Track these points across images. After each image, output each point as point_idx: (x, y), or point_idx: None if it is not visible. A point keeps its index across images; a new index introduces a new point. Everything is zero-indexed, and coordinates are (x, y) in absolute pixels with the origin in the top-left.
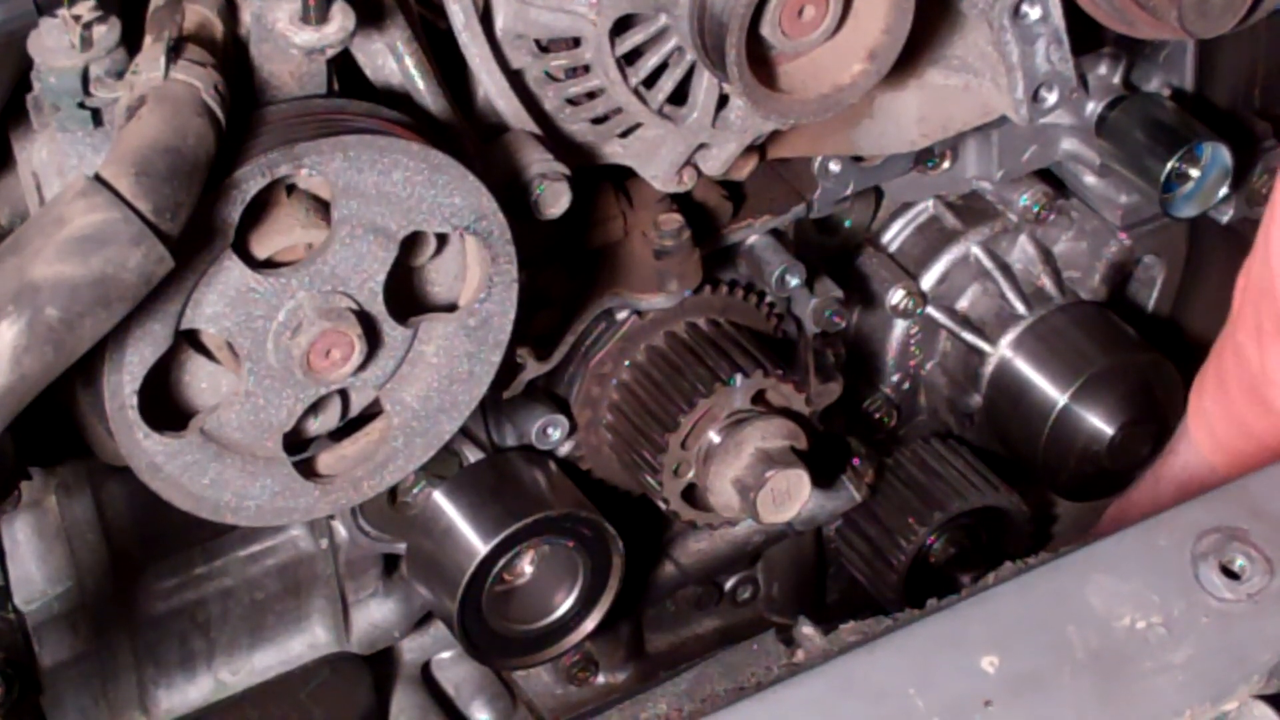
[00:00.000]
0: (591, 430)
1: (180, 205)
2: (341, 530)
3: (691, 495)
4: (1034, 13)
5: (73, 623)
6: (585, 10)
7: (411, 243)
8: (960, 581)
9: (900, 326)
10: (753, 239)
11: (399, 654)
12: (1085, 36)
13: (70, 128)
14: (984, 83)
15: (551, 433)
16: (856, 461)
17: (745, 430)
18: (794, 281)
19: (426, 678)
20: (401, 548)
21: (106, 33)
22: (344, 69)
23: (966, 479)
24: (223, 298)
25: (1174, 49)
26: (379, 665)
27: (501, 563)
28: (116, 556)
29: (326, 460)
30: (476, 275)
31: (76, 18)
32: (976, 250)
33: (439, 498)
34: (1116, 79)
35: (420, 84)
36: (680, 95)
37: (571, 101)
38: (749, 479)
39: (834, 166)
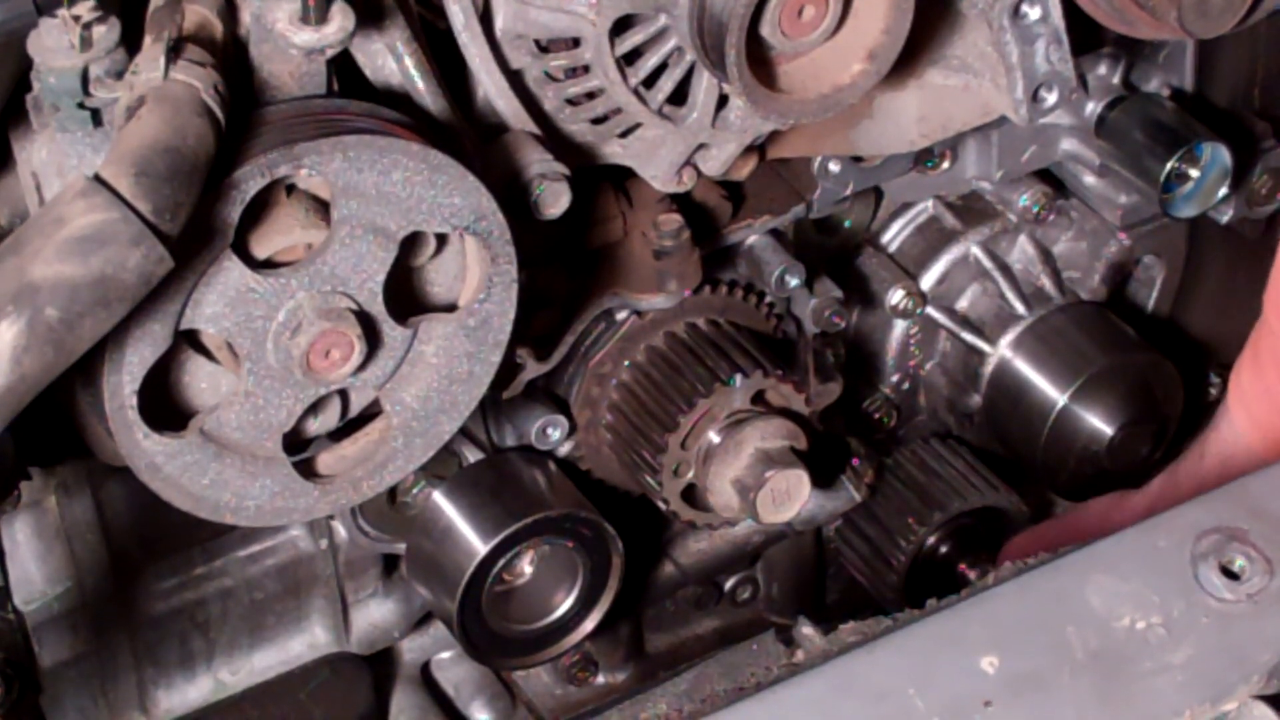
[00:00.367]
0: (591, 430)
1: (180, 205)
2: (341, 530)
3: (691, 495)
4: (1034, 13)
5: (72, 623)
6: (585, 10)
7: (411, 243)
8: (961, 571)
9: (900, 327)
10: (752, 239)
11: (399, 654)
12: (1085, 36)
13: (70, 128)
14: (984, 83)
15: (551, 433)
16: (856, 462)
17: (745, 430)
18: (794, 282)
19: (426, 678)
20: (401, 548)
21: (106, 33)
22: (343, 69)
23: (966, 479)
24: (222, 298)
25: (1174, 49)
26: (379, 665)
27: (501, 563)
28: (116, 557)
29: (326, 460)
30: (476, 275)
31: (76, 18)
32: (976, 250)
33: (438, 498)
34: (1116, 79)
35: (420, 84)
36: (680, 95)
37: (571, 102)
38: (749, 479)
39: (834, 167)
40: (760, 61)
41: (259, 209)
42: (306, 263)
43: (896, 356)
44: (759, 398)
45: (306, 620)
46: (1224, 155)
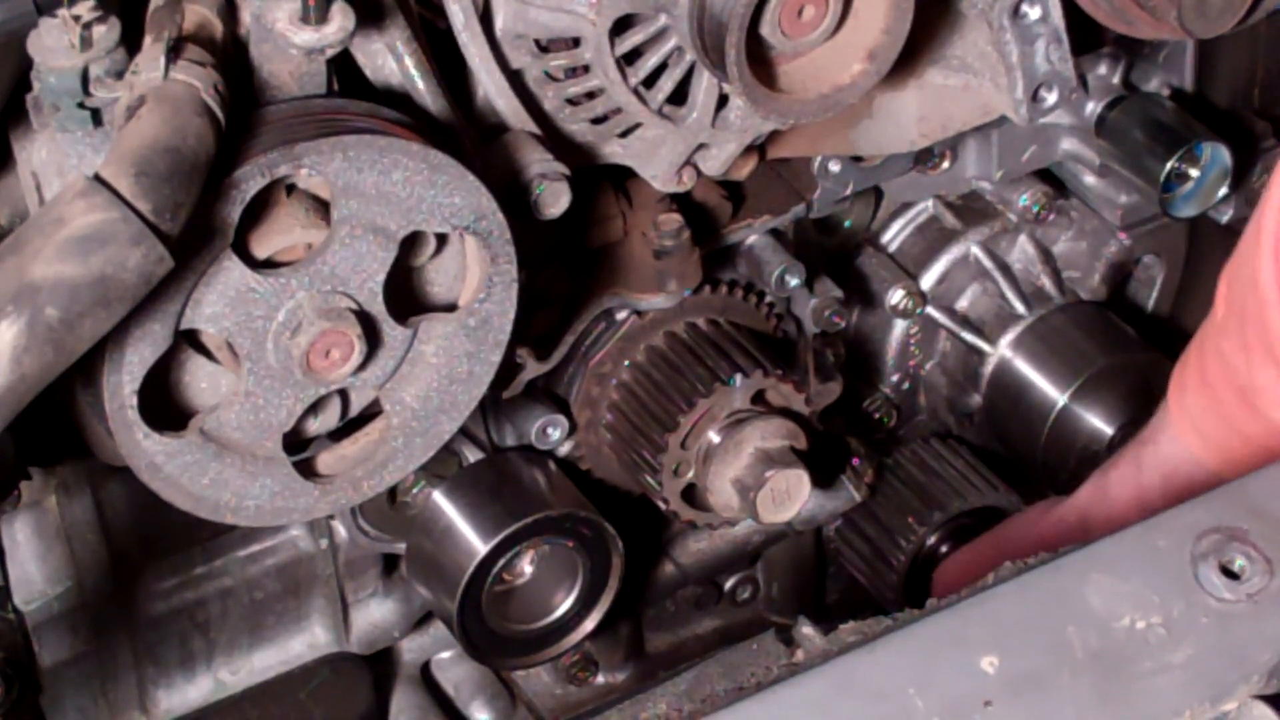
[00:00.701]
0: (591, 430)
1: (180, 205)
2: (341, 530)
3: (691, 495)
4: (1033, 13)
5: (72, 623)
6: (585, 10)
7: (411, 242)
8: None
9: (900, 326)
10: (752, 239)
11: (399, 654)
12: (1085, 36)
13: (70, 128)
14: (984, 83)
15: (551, 433)
16: (856, 461)
17: (745, 430)
18: (794, 281)
19: (426, 678)
20: (401, 548)
21: (106, 33)
22: (343, 69)
23: (966, 479)
24: (222, 298)
25: (1174, 49)
26: (379, 665)
27: (501, 563)
28: (116, 556)
29: (326, 460)
30: (476, 275)
31: (76, 18)
32: (976, 250)
33: (438, 498)
34: (1116, 79)
35: (420, 84)
36: (680, 95)
37: (571, 101)
38: (749, 479)
39: (834, 166)
40: (760, 61)
41: (259, 209)
42: (306, 262)
43: (896, 356)
44: (759, 397)
45: (306, 620)
46: (1224, 155)
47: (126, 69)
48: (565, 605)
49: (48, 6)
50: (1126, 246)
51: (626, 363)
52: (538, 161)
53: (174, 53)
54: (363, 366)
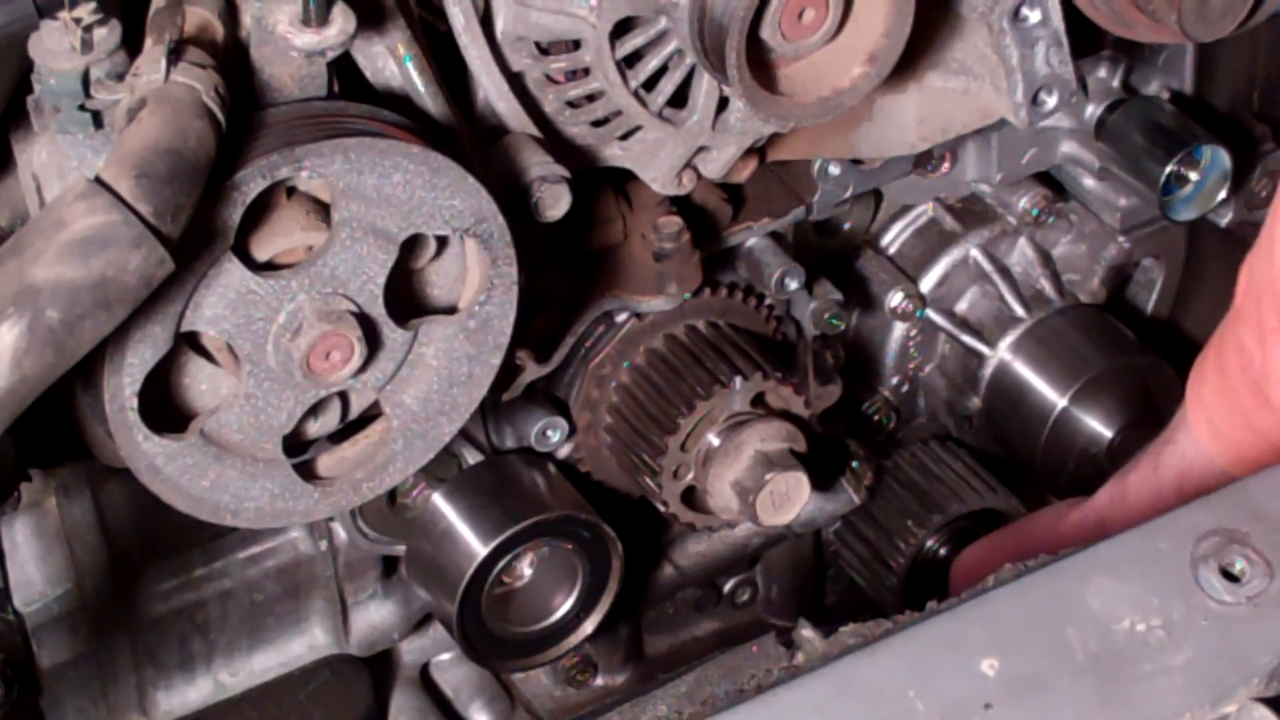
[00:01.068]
0: (591, 432)
1: (181, 208)
2: (341, 532)
3: (691, 497)
4: (1033, 16)
5: (72, 624)
6: (585, 13)
7: (411, 245)
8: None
9: (899, 329)
10: (752, 241)
11: (398, 656)
12: (1085, 40)
13: (71, 130)
14: (983, 86)
15: (551, 435)
16: (855, 464)
17: (744, 433)
18: (793, 284)
19: (425, 679)
20: (401, 550)
21: (107, 35)
22: (344, 71)
23: (965, 482)
24: (223, 300)
25: (1173, 52)
26: (378, 667)
27: (501, 565)
28: (116, 558)
29: (326, 462)
30: (476, 278)
31: (77, 20)
32: (976, 253)
33: (438, 500)
34: (1116, 82)
35: (420, 86)
36: (680, 98)
37: (571, 104)
38: (748, 481)
39: (833, 169)
40: (760, 64)
41: (260, 211)
42: (307, 265)
43: (896, 359)
44: (758, 400)
45: (306, 622)
46: (1223, 158)
47: (127, 71)
48: (565, 607)
49: (49, 9)
50: (1126, 249)
51: (626, 365)
52: (538, 164)
53: (175, 55)
54: (363, 369)
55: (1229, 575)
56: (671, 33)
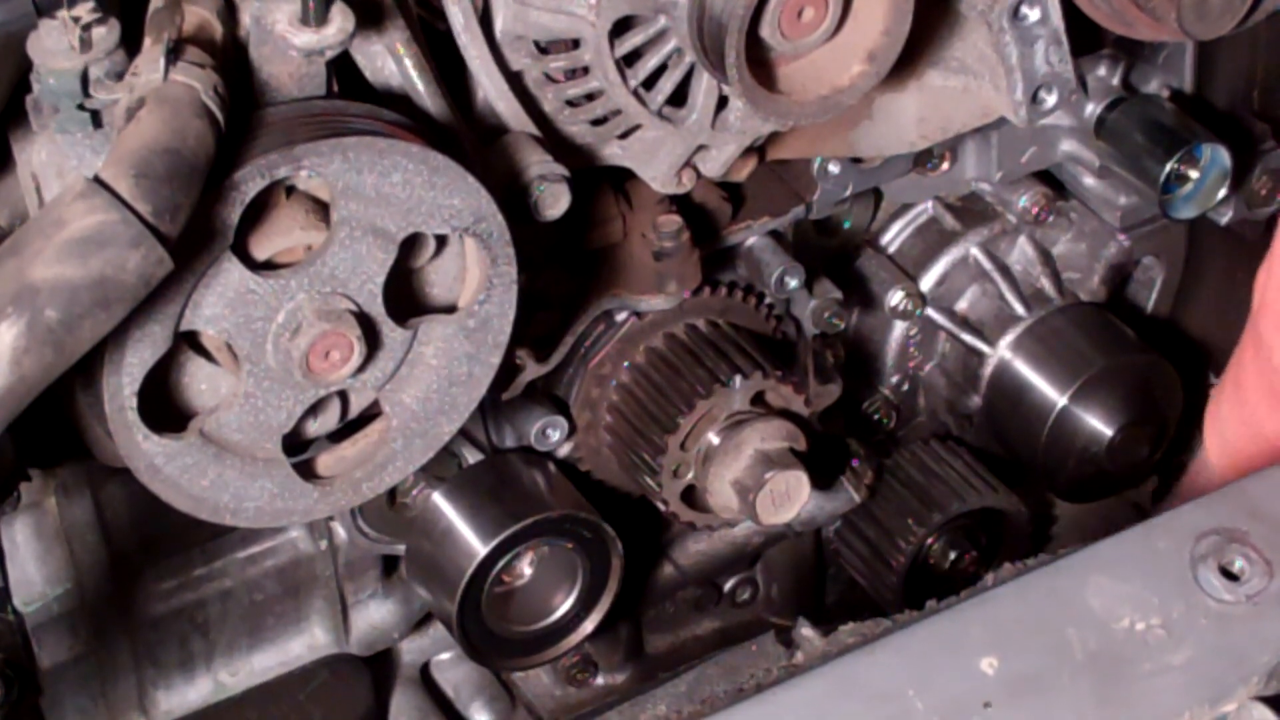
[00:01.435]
0: (591, 432)
1: (179, 207)
2: (341, 531)
3: (691, 497)
4: (1033, 14)
5: (72, 624)
6: (585, 12)
7: (411, 244)
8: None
9: (899, 328)
10: (752, 240)
11: (398, 655)
12: (1084, 38)
13: (69, 129)
14: (983, 84)
15: (551, 434)
16: (855, 463)
17: (744, 432)
18: (793, 283)
19: (426, 679)
20: (401, 549)
21: (106, 34)
22: (343, 70)
23: (965, 480)
24: (222, 299)
25: (1173, 50)
26: (378, 666)
27: (501, 564)
28: (116, 558)
29: (326, 462)
30: (476, 277)
31: (76, 19)
32: (976, 251)
33: (438, 499)
34: (1116, 80)
35: (419, 86)
36: (679, 97)
37: (571, 103)
38: (748, 480)
39: (833, 168)
40: (760, 63)
41: (259, 210)
42: (306, 264)
43: (896, 358)
44: (758, 399)
45: (306, 621)
46: (1223, 156)
47: (126, 71)
48: (565, 607)
49: (47, 8)
50: (1126, 248)
51: (626, 364)
52: (537, 163)
53: (174, 54)
54: (362, 368)
55: (1228, 574)
56: (671, 31)
